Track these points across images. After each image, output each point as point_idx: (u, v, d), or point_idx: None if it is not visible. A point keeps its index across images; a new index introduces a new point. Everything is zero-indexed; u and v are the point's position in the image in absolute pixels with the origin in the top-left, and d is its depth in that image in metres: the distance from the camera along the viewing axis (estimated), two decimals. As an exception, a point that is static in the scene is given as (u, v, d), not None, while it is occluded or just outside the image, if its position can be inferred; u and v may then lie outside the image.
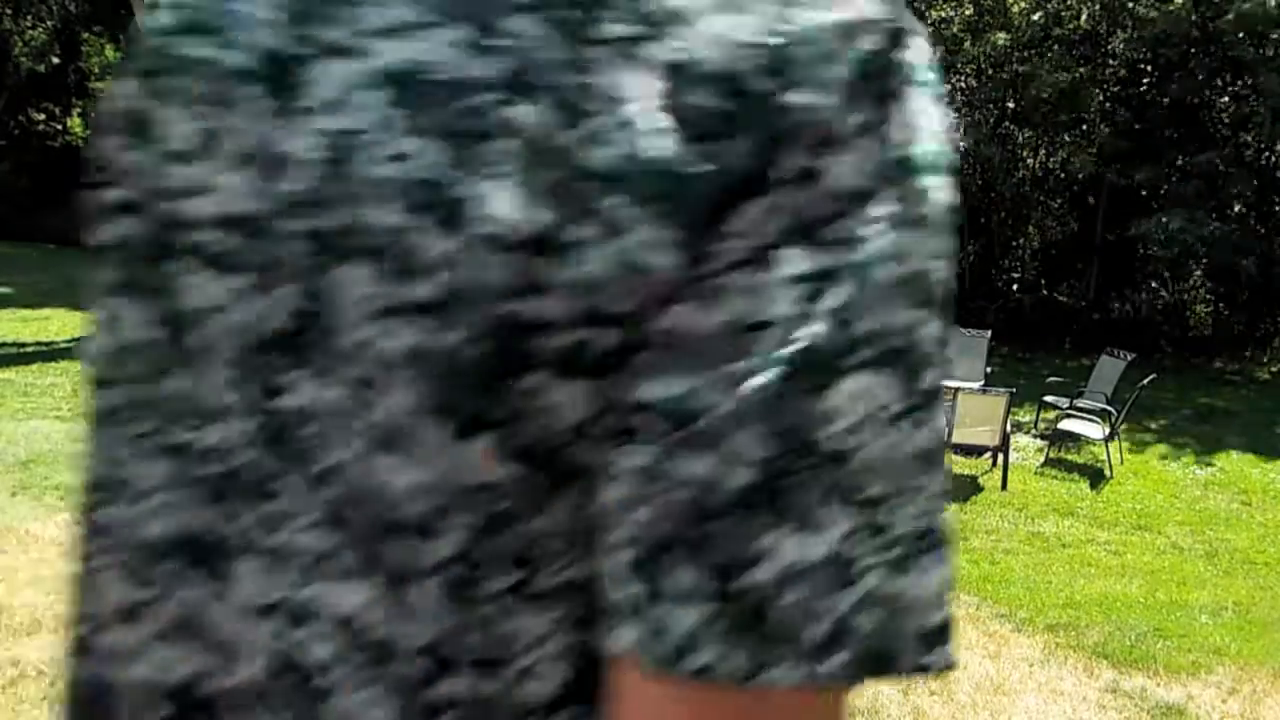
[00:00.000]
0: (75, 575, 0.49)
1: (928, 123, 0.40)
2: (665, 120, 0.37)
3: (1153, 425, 10.39)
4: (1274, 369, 14.06)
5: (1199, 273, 15.64)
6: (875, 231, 0.37)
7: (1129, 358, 9.60)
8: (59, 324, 12.89)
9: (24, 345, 11.47)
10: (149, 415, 0.46)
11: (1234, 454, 9.56)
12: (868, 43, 0.39)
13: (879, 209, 0.37)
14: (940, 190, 0.40)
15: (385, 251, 0.38)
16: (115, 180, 0.48)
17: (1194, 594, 5.87)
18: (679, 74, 0.37)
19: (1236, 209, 14.41)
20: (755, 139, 0.37)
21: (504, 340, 0.37)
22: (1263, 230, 14.52)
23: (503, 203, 0.37)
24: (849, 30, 0.39)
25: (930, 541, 0.38)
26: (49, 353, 11.06)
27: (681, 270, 0.37)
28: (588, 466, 0.38)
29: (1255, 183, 14.43)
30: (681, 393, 0.36)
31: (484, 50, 0.39)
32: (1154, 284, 16.11)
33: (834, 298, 0.36)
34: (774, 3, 0.39)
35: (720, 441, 0.35)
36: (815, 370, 0.36)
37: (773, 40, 0.38)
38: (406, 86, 0.39)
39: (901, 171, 0.38)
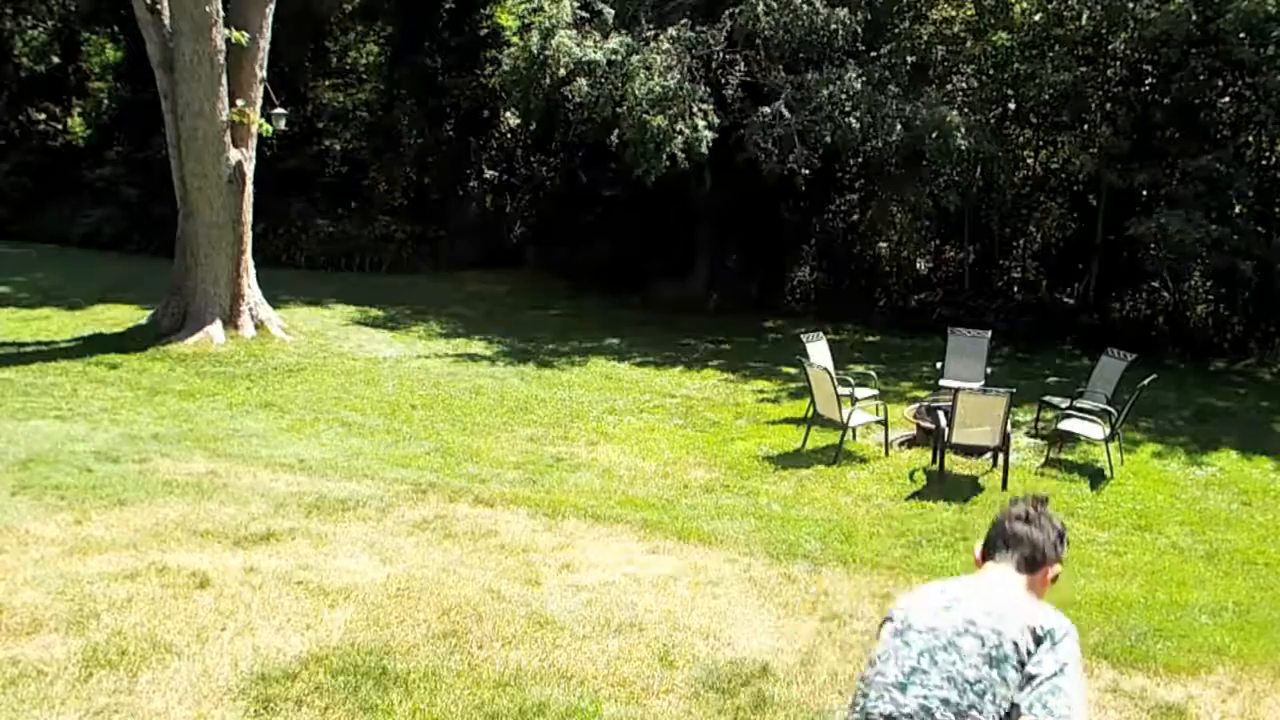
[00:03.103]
0: None
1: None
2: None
3: (1153, 426, 10.37)
4: (1274, 369, 14.06)
5: (1199, 273, 15.64)
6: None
7: (1129, 358, 9.59)
8: (59, 324, 12.87)
9: (24, 345, 11.46)
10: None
11: (1233, 454, 9.53)
12: (1060, 630, 2.31)
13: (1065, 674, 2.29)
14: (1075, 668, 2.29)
15: (980, 655, 2.31)
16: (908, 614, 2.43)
17: (1194, 594, 5.86)
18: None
19: (1236, 210, 14.40)
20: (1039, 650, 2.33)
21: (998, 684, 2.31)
22: (1263, 231, 14.52)
23: (1003, 691, 2.27)
24: (1060, 629, 2.32)
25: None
26: (49, 353, 11.05)
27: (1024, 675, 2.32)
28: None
29: (1255, 183, 14.43)
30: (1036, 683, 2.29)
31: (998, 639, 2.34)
32: (1154, 284, 16.11)
33: (1059, 672, 2.27)
34: (1025, 614, 2.34)
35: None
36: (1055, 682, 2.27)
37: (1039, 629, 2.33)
38: (976, 632, 2.33)
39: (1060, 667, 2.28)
